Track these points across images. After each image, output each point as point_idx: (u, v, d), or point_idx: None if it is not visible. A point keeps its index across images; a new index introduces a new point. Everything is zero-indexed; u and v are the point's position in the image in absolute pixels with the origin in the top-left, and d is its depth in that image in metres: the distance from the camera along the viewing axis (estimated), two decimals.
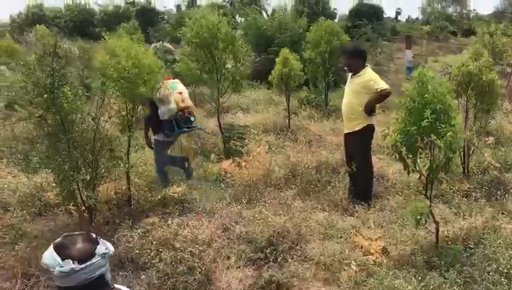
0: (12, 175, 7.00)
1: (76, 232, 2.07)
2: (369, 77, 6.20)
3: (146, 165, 6.66)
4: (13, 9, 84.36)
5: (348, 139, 6.48)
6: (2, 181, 6.55)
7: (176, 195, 5.95)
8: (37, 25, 20.10)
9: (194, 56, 7.56)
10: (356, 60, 6.32)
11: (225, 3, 75.68)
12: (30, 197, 6.12)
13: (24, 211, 5.81)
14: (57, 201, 6.10)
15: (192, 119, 6.74)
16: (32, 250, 4.88)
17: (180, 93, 6.63)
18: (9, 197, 6.10)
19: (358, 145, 6.33)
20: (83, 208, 5.36)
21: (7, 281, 4.56)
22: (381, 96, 6.18)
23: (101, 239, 2.02)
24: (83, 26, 52.29)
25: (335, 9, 39.87)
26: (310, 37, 11.94)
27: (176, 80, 6.93)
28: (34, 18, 59.66)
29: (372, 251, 4.88)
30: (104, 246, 1.95)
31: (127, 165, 5.66)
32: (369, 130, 6.26)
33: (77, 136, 5.16)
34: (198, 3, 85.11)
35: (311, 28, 12.04)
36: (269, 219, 5.36)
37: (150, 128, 6.74)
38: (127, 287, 4.54)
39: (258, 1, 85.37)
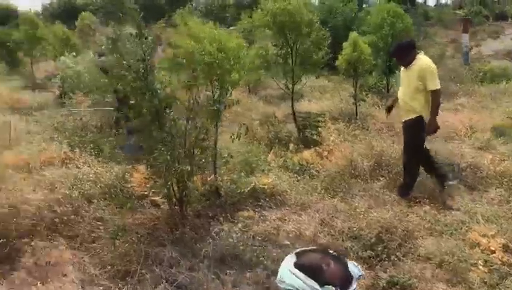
0: (88, 165, 6.79)
1: (312, 248, 1.73)
2: (423, 67, 5.82)
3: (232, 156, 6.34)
4: None
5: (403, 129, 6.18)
6: (81, 171, 6.32)
7: (265, 187, 5.63)
8: (83, 12, 19.98)
9: (271, 40, 7.20)
10: (405, 54, 5.96)
11: None
12: (113, 189, 5.89)
13: (108, 203, 5.66)
14: (142, 193, 5.91)
15: None
16: (130, 245, 4.64)
17: None
18: (91, 189, 5.87)
19: (409, 136, 6.02)
20: (174, 200, 5.14)
21: (108, 279, 4.32)
22: (437, 97, 5.82)
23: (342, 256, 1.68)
24: (114, 13, 51.99)
25: None
26: (370, 20, 11.47)
27: None
28: (66, 7, 60.12)
29: (493, 248, 4.50)
30: (356, 268, 1.59)
31: (216, 156, 5.40)
32: (420, 121, 5.88)
33: (172, 126, 4.90)
34: None
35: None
36: (374, 214, 5.02)
37: None
38: (234, 286, 4.33)
39: None
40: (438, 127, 5.90)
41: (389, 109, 6.45)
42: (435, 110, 5.80)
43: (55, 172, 6.39)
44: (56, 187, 5.72)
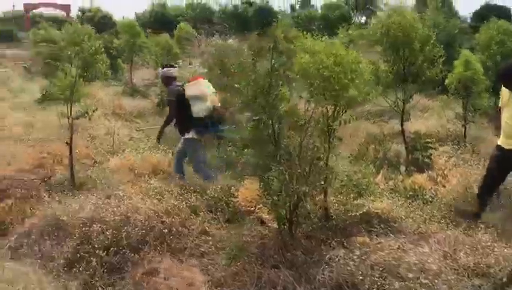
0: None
1: None
2: None
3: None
4: (138, 8, 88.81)
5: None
6: (186, 182, 6.29)
7: (379, 211, 5.31)
8: (181, 23, 20.45)
9: (382, 57, 6.88)
10: None
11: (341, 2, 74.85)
12: (218, 202, 5.79)
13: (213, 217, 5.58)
14: (248, 209, 5.77)
15: (224, 120, 6.75)
16: (241, 264, 4.47)
17: (215, 94, 6.62)
18: (197, 200, 5.80)
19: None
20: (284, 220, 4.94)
21: None
22: None
23: None
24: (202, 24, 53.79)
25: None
26: (479, 38, 10.86)
27: (206, 81, 6.86)
28: (157, 16, 62.44)
29: None
30: None
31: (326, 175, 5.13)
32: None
33: (288, 143, 4.72)
34: (312, 3, 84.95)
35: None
36: (503, 250, 4.57)
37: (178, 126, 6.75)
38: None
39: (374, 1, 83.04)
40: None
41: None
42: None
43: (160, 181, 6.40)
44: (164, 197, 5.68)
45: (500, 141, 5.76)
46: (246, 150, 4.85)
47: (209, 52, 8.52)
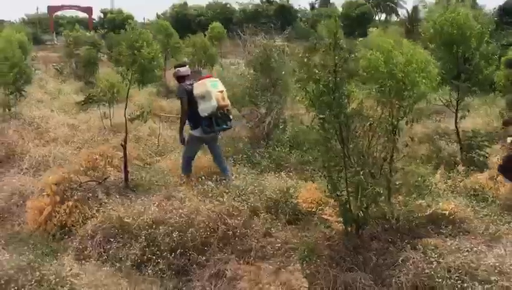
0: (243, 176, 6.73)
1: None
2: None
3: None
4: (159, 9, 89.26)
5: None
6: (245, 182, 6.24)
7: (445, 212, 5.22)
8: (214, 22, 20.40)
9: (436, 54, 6.76)
10: None
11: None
12: (278, 203, 5.76)
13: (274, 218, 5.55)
14: (308, 209, 5.73)
15: (231, 117, 6.81)
16: (315, 267, 4.43)
17: (221, 92, 6.70)
18: (256, 201, 5.76)
19: None
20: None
21: None
22: None
23: None
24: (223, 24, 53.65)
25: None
26: None
27: (217, 79, 6.97)
28: (178, 16, 62.75)
29: None
30: None
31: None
32: None
33: (356, 143, 4.66)
34: (331, 1, 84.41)
35: None
36: None
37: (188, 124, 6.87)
38: None
39: None
40: None
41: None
42: None
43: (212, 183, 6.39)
44: (223, 198, 5.66)
45: None
46: (310, 151, 4.78)
47: (254, 52, 8.38)
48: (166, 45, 15.64)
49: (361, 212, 4.76)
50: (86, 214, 5.82)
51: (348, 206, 4.76)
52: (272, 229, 5.39)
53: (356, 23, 64.46)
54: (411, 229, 5.12)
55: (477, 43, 6.72)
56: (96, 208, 5.91)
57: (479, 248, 4.59)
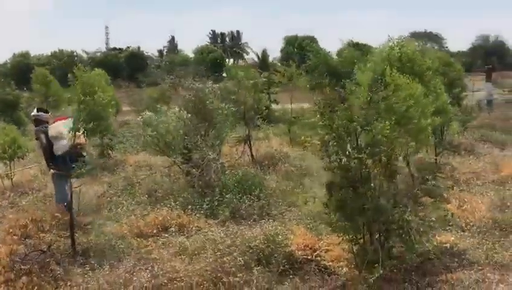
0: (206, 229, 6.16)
1: None
2: None
3: None
4: None
5: None
6: (220, 236, 5.70)
7: (447, 245, 5.22)
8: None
9: None
10: None
11: (208, 43, 76.87)
12: (267, 253, 5.30)
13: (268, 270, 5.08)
14: (304, 257, 5.34)
15: (84, 154, 7.15)
16: None
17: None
18: (242, 254, 5.25)
19: None
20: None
21: None
22: None
23: None
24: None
25: None
26: None
27: (70, 119, 6.95)
28: (19, 66, 59.01)
29: None
30: None
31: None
32: None
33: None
34: (180, 47, 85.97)
35: None
36: None
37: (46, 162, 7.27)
38: None
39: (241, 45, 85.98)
40: None
41: None
42: None
43: (186, 239, 5.77)
44: (200, 255, 5.12)
45: None
46: None
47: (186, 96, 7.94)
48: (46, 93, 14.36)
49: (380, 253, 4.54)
50: None
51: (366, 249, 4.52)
52: (272, 283, 4.92)
53: (212, 68, 66.13)
54: (418, 267, 4.99)
55: None
56: (53, 283, 4.98)
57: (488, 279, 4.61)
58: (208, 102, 7.81)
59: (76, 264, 5.45)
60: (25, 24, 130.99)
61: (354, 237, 4.63)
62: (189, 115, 7.61)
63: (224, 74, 21.25)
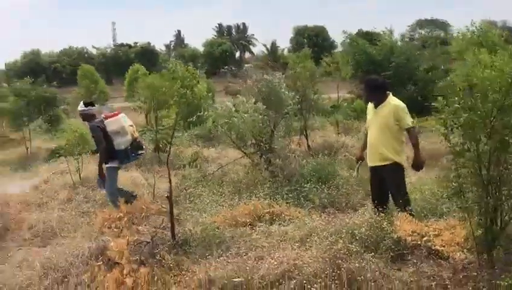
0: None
1: None
2: None
3: None
4: (7, 57, 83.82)
5: None
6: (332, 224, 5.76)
7: None
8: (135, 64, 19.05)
9: None
10: None
11: (215, 37, 76.91)
12: (375, 240, 5.35)
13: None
14: (413, 242, 5.39)
15: (143, 146, 7.78)
16: None
17: (132, 125, 7.57)
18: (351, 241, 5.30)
19: None
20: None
21: None
22: None
23: None
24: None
25: None
26: None
27: (123, 114, 7.68)
28: (31, 64, 59.21)
29: None
30: None
31: None
32: None
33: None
34: (186, 41, 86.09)
35: None
36: None
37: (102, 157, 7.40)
38: None
39: (248, 37, 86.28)
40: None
41: None
42: None
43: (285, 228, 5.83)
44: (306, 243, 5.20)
45: None
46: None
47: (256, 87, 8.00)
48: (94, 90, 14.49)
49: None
50: (168, 283, 4.92)
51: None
52: (386, 268, 4.96)
53: (220, 61, 66.21)
54: None
55: None
56: (169, 273, 5.06)
57: None
58: (281, 92, 7.87)
59: (182, 254, 5.53)
60: (29, 21, 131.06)
61: (481, 220, 4.64)
62: (265, 107, 7.67)
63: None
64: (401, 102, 6.22)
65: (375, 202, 6.14)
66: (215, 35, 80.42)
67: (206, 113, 6.94)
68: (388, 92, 6.28)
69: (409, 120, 6.10)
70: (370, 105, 6.42)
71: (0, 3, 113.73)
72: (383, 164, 6.16)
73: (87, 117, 7.53)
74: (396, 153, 6.13)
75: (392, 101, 6.20)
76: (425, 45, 27.33)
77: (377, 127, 6.19)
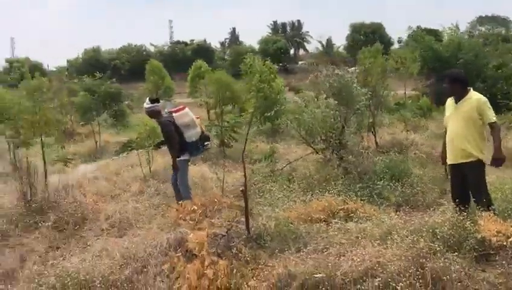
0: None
1: None
2: None
3: None
4: (69, 55, 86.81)
5: None
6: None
7: None
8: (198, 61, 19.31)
9: None
10: None
11: (269, 34, 76.93)
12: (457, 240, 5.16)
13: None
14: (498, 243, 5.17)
15: (210, 137, 7.95)
16: None
17: (198, 118, 7.80)
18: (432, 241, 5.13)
19: None
20: None
21: None
22: None
23: None
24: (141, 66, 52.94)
25: None
26: None
27: (187, 108, 7.77)
28: (91, 61, 61.08)
29: None
30: None
31: None
32: None
33: None
34: (240, 39, 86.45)
35: None
36: None
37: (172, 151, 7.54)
38: None
39: (302, 34, 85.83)
40: None
41: None
42: None
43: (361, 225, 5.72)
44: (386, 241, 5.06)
45: None
46: None
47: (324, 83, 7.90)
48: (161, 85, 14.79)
49: None
50: (247, 276, 4.91)
51: None
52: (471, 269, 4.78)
53: (275, 59, 66.19)
54: None
55: None
56: (247, 265, 5.06)
57: None
58: (353, 87, 7.73)
59: (257, 248, 5.51)
60: (89, 20, 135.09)
61: None
62: (336, 102, 7.57)
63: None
64: (483, 96, 6.01)
65: (457, 200, 5.90)
66: (270, 33, 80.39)
67: (283, 107, 6.80)
68: (469, 87, 6.09)
69: (492, 115, 5.87)
70: (449, 101, 6.20)
71: (61, 3, 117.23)
72: (465, 161, 5.93)
73: (153, 114, 7.66)
74: (480, 149, 5.89)
75: (474, 95, 6.00)
76: (486, 42, 26.38)
77: (459, 123, 5.96)
